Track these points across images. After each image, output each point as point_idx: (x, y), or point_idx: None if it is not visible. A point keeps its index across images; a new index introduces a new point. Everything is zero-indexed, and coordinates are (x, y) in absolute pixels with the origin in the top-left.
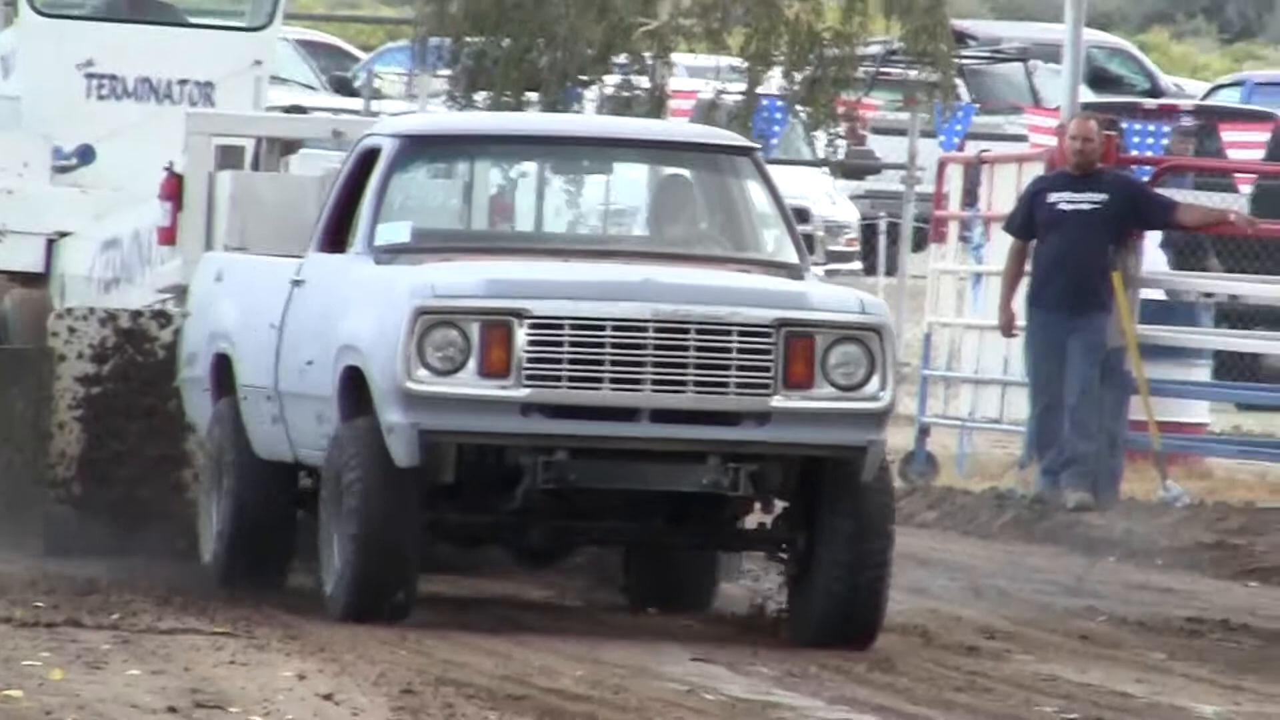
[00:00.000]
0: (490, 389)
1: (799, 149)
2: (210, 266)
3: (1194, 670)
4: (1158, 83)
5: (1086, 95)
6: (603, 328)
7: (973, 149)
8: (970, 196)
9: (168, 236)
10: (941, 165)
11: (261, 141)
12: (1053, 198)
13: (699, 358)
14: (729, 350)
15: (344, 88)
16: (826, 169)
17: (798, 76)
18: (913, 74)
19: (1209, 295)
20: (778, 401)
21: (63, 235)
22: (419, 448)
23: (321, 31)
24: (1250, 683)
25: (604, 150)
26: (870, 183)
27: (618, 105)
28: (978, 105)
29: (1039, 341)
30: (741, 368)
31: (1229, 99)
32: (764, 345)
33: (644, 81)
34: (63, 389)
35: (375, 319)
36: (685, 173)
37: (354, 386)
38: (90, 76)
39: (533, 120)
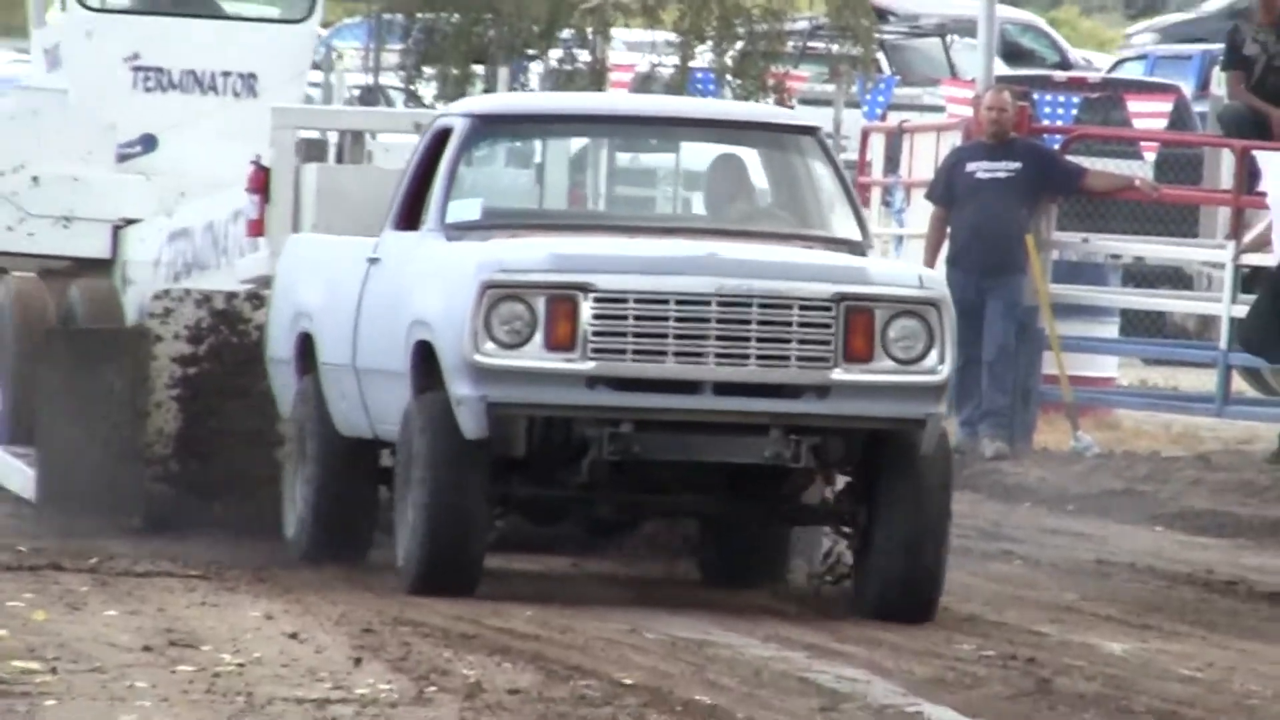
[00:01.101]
0: (556, 362)
1: None
2: (294, 248)
3: (1103, 610)
4: (1067, 56)
5: (1000, 68)
6: (666, 301)
7: (894, 119)
8: (892, 164)
9: (256, 229)
10: (865, 134)
11: (345, 135)
12: (970, 166)
13: (761, 331)
14: (790, 324)
15: None
16: None
17: (729, 50)
18: (837, 48)
19: (1116, 257)
20: (838, 375)
21: (129, 222)
22: (486, 420)
23: None
24: (1156, 621)
25: (670, 129)
26: None
27: (560, 78)
28: (898, 78)
29: (958, 301)
30: (802, 341)
31: (1134, 72)
32: (824, 319)
33: (585, 55)
34: (160, 368)
35: (444, 294)
36: (750, 151)
37: (425, 361)
38: (137, 69)
39: (600, 100)
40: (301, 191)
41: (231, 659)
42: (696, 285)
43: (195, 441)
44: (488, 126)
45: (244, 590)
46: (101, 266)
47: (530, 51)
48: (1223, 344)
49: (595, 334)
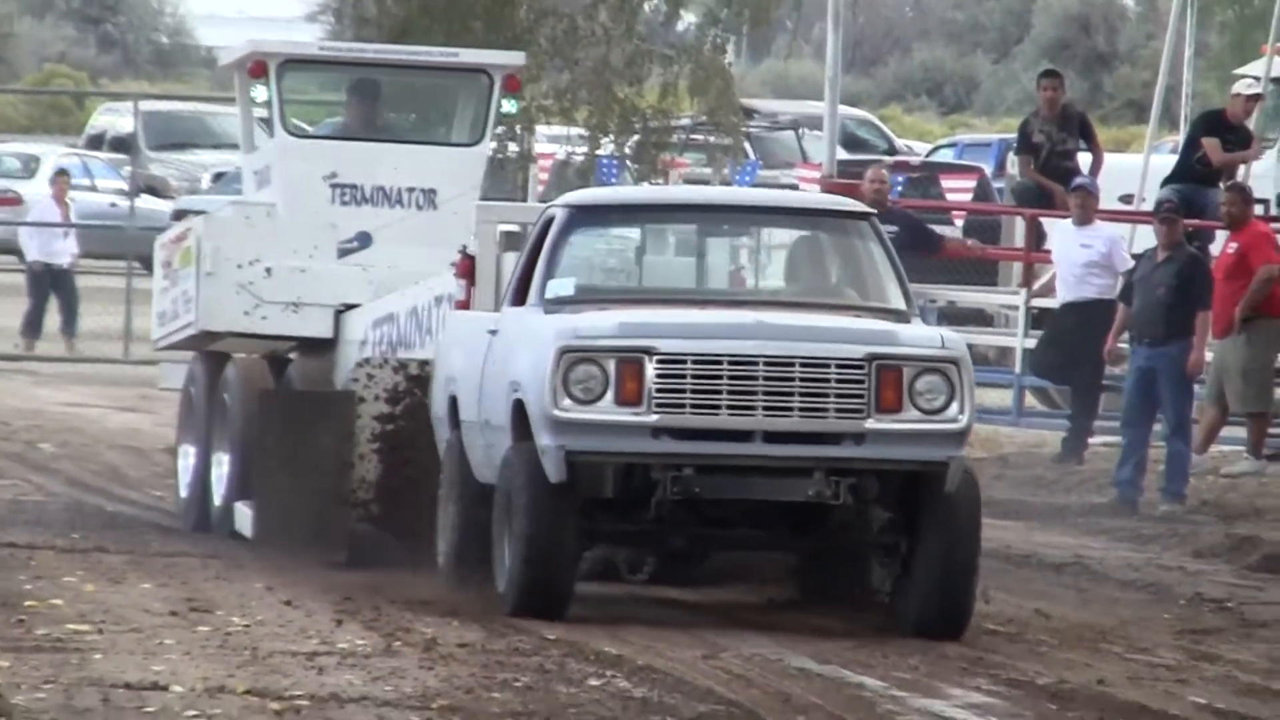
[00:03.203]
0: (625, 415)
1: None
2: (448, 324)
3: None
4: (894, 144)
5: (841, 154)
6: (720, 362)
7: None
8: None
9: (462, 309)
10: None
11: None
12: None
13: (803, 387)
14: (828, 380)
15: None
16: None
17: (627, 141)
18: (713, 139)
19: (934, 300)
20: (871, 424)
21: (349, 307)
22: (565, 466)
23: None
24: (989, 592)
25: (742, 216)
26: None
27: (493, 165)
28: (761, 162)
29: None
30: (840, 395)
31: (946, 156)
32: (858, 376)
33: (514, 146)
34: (362, 426)
35: (532, 358)
36: (810, 233)
37: (520, 416)
38: (334, 186)
39: (680, 191)
40: (502, 276)
41: (240, 621)
42: (746, 348)
43: (392, 488)
44: (582, 215)
45: (250, 567)
46: (321, 347)
47: None
48: (1017, 369)
49: (658, 391)
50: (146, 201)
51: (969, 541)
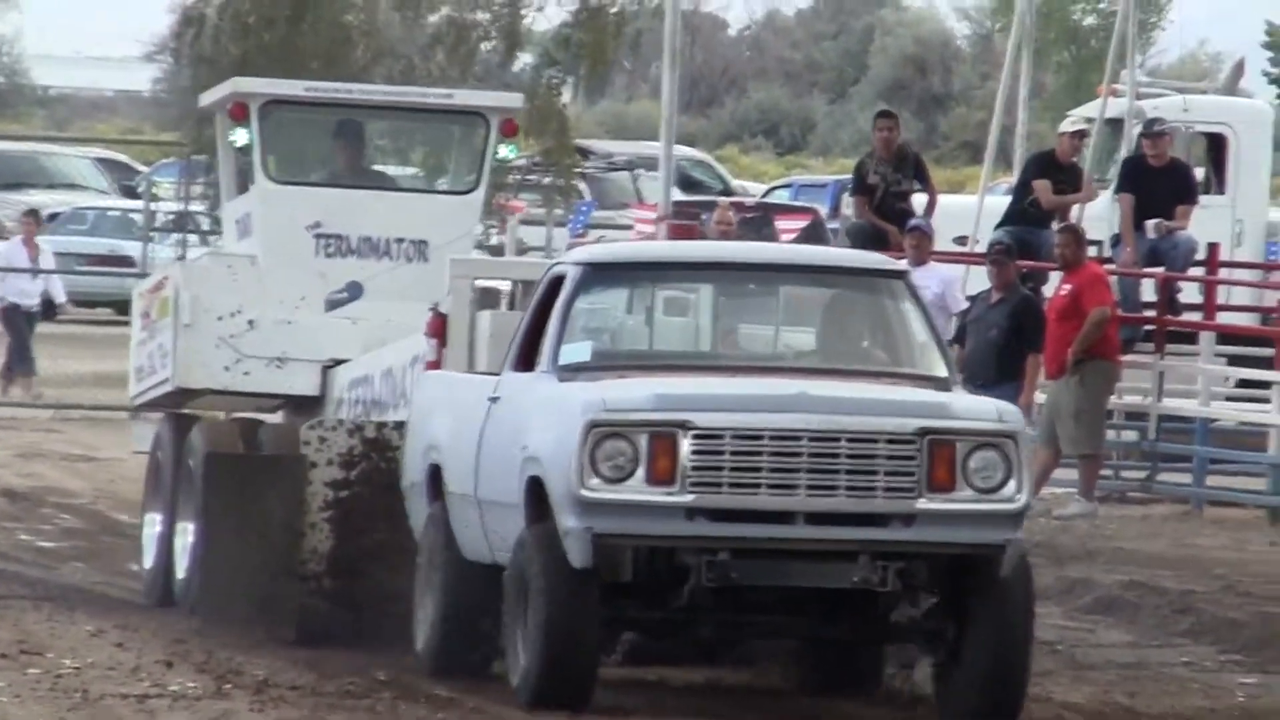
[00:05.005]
0: (657, 495)
1: None
2: (425, 385)
3: None
4: (729, 185)
5: (677, 195)
6: (760, 437)
7: (594, 235)
8: None
9: (433, 369)
10: (570, 248)
11: (517, 284)
12: None
13: (850, 464)
14: (876, 457)
15: (130, 193)
16: (485, 252)
17: None
18: (549, 180)
19: None
20: (922, 504)
21: (338, 363)
22: (592, 550)
23: (114, 151)
24: None
25: (769, 275)
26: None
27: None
28: (596, 202)
29: None
30: (889, 473)
31: (782, 197)
32: (909, 452)
33: None
34: (314, 493)
35: (553, 432)
36: (843, 294)
37: (536, 494)
38: (319, 236)
39: (702, 249)
40: (476, 336)
41: (71, 663)
42: (788, 422)
43: (346, 560)
44: (597, 274)
45: (81, 611)
46: (307, 406)
47: None
48: None
49: (694, 468)
50: None
51: (1023, 629)
